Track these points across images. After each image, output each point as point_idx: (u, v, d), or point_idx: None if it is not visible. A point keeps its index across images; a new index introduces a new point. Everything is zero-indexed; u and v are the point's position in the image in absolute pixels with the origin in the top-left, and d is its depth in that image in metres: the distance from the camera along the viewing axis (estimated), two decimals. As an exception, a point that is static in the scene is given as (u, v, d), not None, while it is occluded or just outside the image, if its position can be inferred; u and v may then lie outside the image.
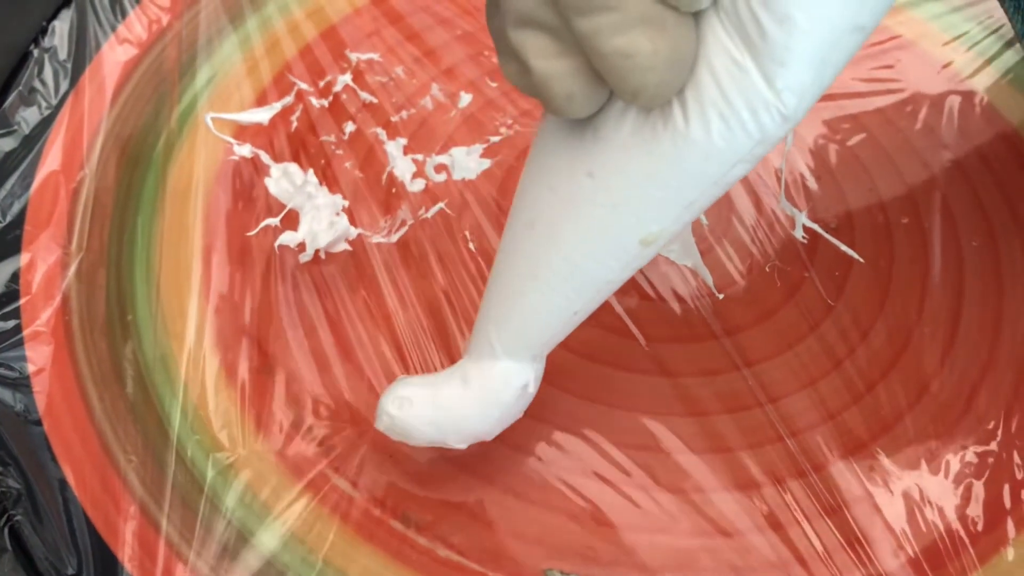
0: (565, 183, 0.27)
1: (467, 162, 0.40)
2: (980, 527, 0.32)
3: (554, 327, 0.29)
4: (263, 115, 0.39)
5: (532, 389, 0.30)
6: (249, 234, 0.37)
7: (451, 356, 0.35)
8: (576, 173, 0.27)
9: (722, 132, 0.24)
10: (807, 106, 0.24)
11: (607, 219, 0.27)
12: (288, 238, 0.36)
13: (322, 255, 0.37)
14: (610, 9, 0.23)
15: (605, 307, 0.36)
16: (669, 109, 0.25)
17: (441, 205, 0.39)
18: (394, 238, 0.38)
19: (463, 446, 0.30)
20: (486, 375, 0.30)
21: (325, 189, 0.37)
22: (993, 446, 0.33)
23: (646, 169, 0.26)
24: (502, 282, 0.30)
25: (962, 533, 0.32)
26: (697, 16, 0.24)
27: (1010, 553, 0.31)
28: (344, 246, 0.37)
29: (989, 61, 0.44)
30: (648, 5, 0.23)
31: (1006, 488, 0.33)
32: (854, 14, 0.23)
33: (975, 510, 0.32)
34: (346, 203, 0.37)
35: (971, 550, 0.31)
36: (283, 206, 0.37)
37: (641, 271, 0.37)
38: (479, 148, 0.40)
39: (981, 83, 0.43)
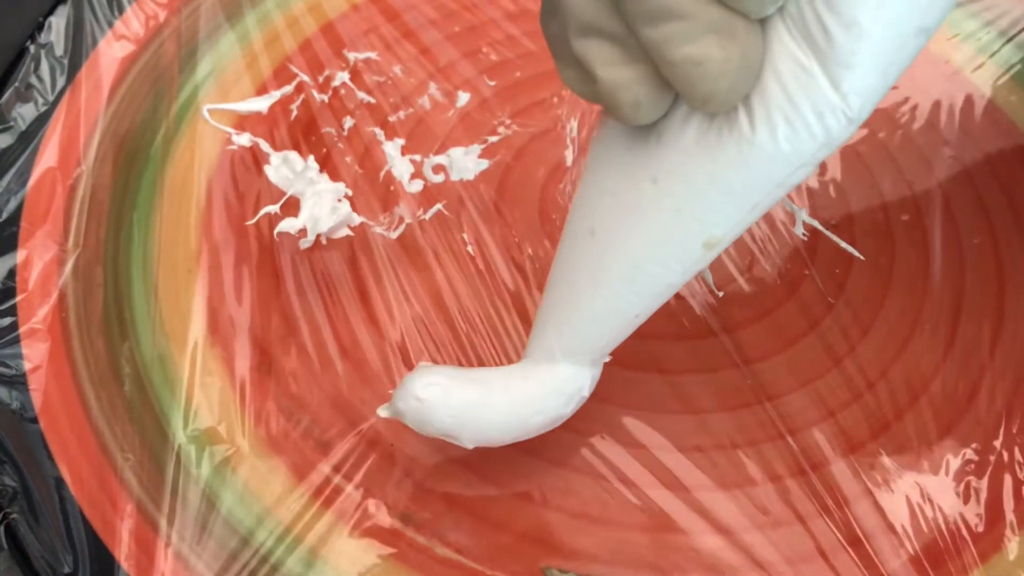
0: (628, 189, 0.28)
1: (465, 162, 0.39)
2: (981, 525, 0.32)
3: (615, 331, 0.29)
4: (262, 103, 0.39)
5: (586, 393, 0.30)
6: (248, 222, 0.37)
7: (456, 356, 0.35)
8: (639, 179, 0.27)
9: (788, 135, 0.24)
10: (871, 108, 0.24)
11: (671, 224, 0.27)
12: (288, 224, 0.35)
13: (323, 240, 0.37)
14: (679, 18, 0.23)
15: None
16: (734, 114, 0.25)
17: (439, 206, 0.38)
18: (393, 234, 0.38)
19: (471, 446, 0.30)
20: (543, 378, 0.30)
21: (327, 176, 0.36)
22: (994, 444, 0.33)
23: (710, 174, 0.26)
24: (562, 287, 0.30)
25: (963, 531, 0.32)
26: (763, 22, 0.24)
27: (1011, 551, 0.31)
28: (346, 231, 0.37)
29: (990, 58, 0.44)
30: (717, 13, 0.23)
31: (1007, 486, 0.32)
32: (920, 17, 0.23)
33: (976, 508, 0.32)
34: (349, 191, 0.37)
35: (972, 548, 0.31)
36: (283, 195, 0.36)
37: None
38: (477, 148, 0.40)
39: (982, 80, 0.43)
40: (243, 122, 0.40)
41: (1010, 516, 0.32)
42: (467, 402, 0.29)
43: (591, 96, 0.26)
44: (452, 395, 0.29)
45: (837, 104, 0.24)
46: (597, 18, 0.24)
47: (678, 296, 0.37)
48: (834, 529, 0.32)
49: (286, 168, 0.36)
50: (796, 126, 0.24)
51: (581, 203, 0.29)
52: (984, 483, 0.32)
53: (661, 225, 0.27)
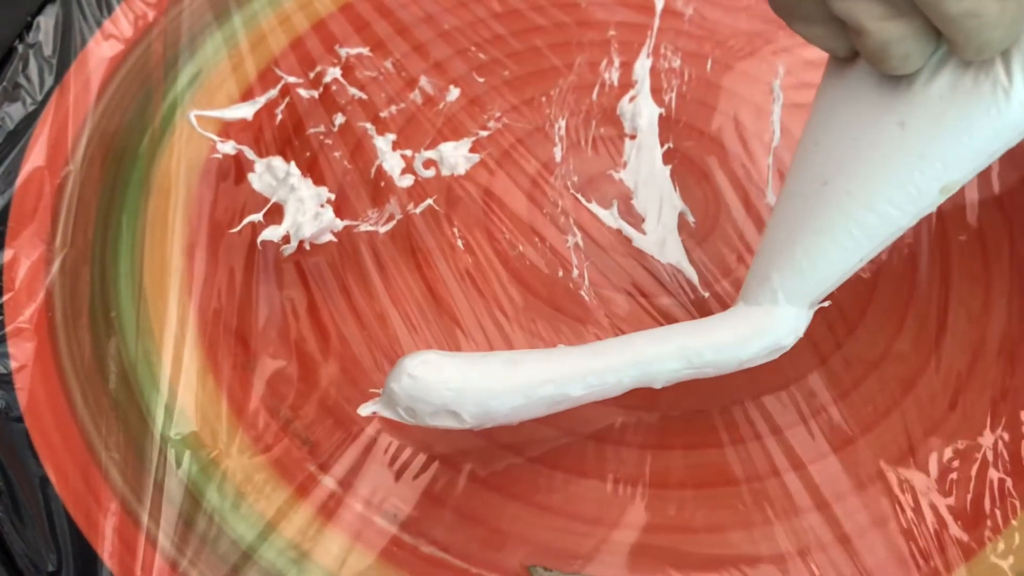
0: (871, 133, 0.29)
1: (455, 157, 0.39)
2: (965, 523, 0.32)
3: (839, 274, 0.31)
4: (247, 110, 0.39)
5: (801, 333, 0.31)
6: (232, 231, 0.37)
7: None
8: (885, 123, 0.29)
9: None
10: None
11: (912, 167, 0.29)
12: (271, 233, 0.35)
13: (307, 246, 0.37)
14: None
15: (589, 304, 0.36)
16: (990, 63, 0.27)
17: (430, 201, 0.38)
18: (383, 230, 0.38)
19: (471, 422, 0.29)
20: (766, 319, 0.31)
21: (309, 181, 0.36)
22: (979, 442, 0.33)
23: (961, 119, 0.28)
24: (787, 234, 0.31)
25: (948, 529, 0.32)
26: None
27: (994, 548, 0.31)
28: (329, 237, 0.37)
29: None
30: None
31: (991, 484, 0.32)
32: None
33: (960, 506, 0.32)
34: (332, 195, 0.37)
35: (956, 545, 0.31)
36: (267, 201, 0.36)
37: (624, 268, 0.37)
38: (467, 143, 0.40)
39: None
40: (228, 128, 0.40)
41: (994, 514, 0.32)
42: (465, 375, 0.29)
43: (844, 50, 0.29)
44: (448, 369, 0.29)
45: None
46: None
47: (667, 295, 0.37)
48: (820, 526, 0.32)
49: (269, 175, 0.36)
50: None
51: (810, 153, 0.31)
52: (968, 481, 0.32)
53: (903, 168, 0.29)
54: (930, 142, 0.28)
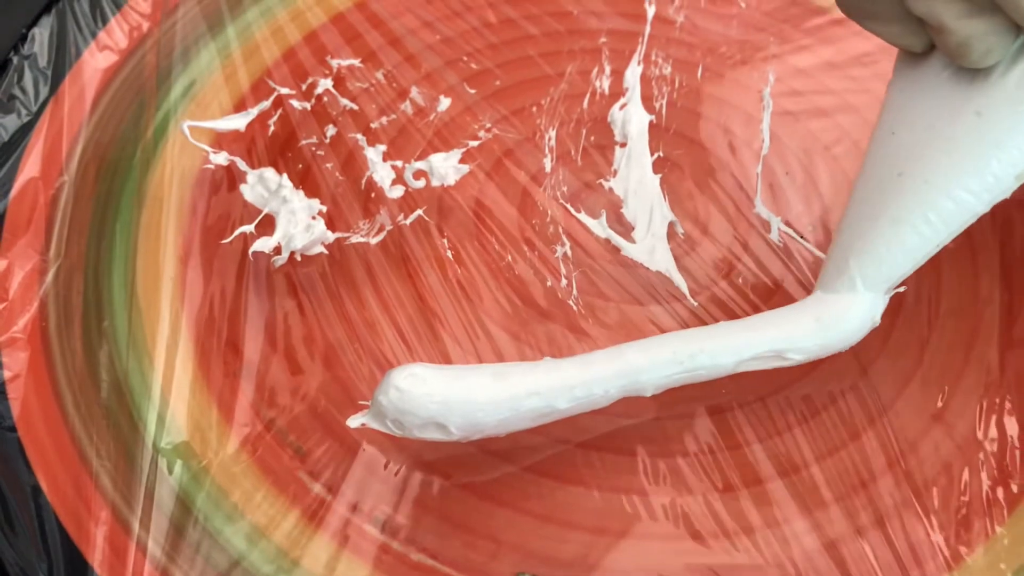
0: (948, 123, 0.30)
1: (445, 168, 0.40)
2: (951, 531, 0.32)
3: (915, 261, 0.31)
4: (240, 122, 0.39)
5: (878, 320, 0.32)
6: (224, 242, 0.37)
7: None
8: (962, 113, 0.30)
9: None
10: None
11: (990, 155, 0.30)
12: (262, 244, 0.36)
13: (298, 258, 0.37)
14: None
15: (578, 314, 0.36)
16: None
17: (419, 212, 0.39)
18: (373, 241, 0.38)
19: (459, 434, 0.30)
20: (844, 307, 0.31)
21: (301, 193, 0.37)
22: (965, 448, 0.33)
23: None
24: (863, 224, 0.32)
25: (930, 537, 0.32)
26: None
27: (980, 556, 0.31)
28: (320, 249, 0.37)
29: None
30: None
31: (977, 491, 0.33)
32: None
33: (946, 513, 0.32)
34: (323, 208, 0.37)
35: (939, 555, 0.31)
36: (259, 213, 0.37)
37: (614, 277, 0.37)
38: (457, 153, 0.40)
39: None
40: (220, 139, 0.40)
41: (980, 522, 0.32)
42: (451, 387, 0.29)
43: (921, 46, 0.31)
44: (434, 382, 0.29)
45: None
46: None
47: (656, 303, 0.37)
48: (806, 533, 0.32)
49: (261, 187, 0.36)
50: None
51: (886, 144, 0.32)
52: (955, 488, 0.33)
53: (980, 156, 0.30)
54: (1007, 130, 0.29)
